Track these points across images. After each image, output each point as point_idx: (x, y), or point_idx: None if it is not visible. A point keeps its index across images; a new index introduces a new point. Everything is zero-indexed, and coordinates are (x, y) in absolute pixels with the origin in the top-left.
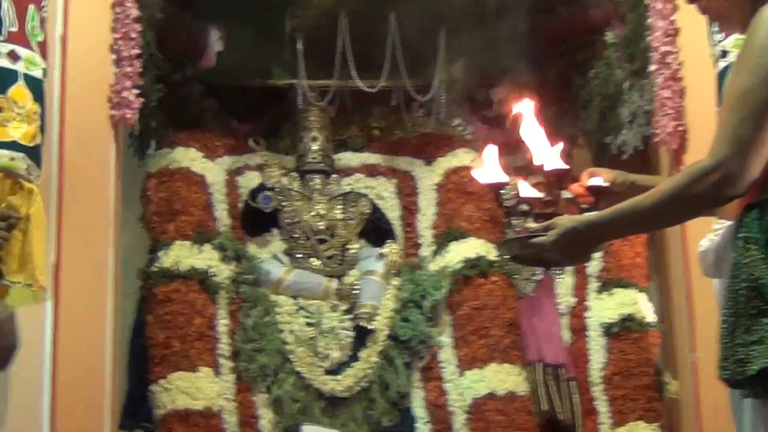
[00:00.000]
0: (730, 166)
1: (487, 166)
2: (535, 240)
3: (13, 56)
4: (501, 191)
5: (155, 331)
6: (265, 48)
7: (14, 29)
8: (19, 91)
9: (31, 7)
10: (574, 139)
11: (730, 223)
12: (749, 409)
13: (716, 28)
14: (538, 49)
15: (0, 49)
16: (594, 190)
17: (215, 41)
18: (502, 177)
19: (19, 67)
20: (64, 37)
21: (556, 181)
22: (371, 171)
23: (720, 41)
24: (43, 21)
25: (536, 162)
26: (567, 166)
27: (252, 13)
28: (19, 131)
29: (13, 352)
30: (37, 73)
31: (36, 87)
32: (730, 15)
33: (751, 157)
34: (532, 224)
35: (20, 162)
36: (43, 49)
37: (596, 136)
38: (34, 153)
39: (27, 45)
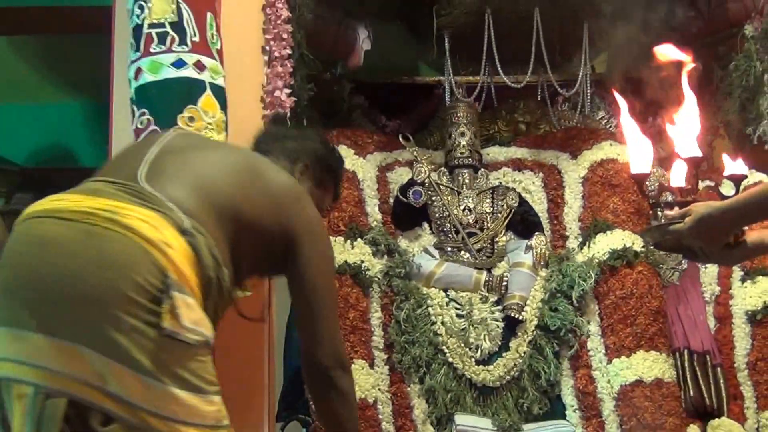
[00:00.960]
0: None
1: (634, 159)
2: (673, 227)
3: (199, 66)
4: (645, 182)
5: None
6: (412, 45)
7: (197, 39)
8: (208, 100)
9: (209, 15)
10: (715, 129)
11: None
12: None
13: None
14: (680, 43)
15: (186, 59)
16: (734, 179)
17: (363, 40)
18: (646, 168)
19: (205, 76)
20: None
21: (693, 169)
22: (518, 165)
23: None
24: (218, 28)
25: (676, 150)
26: (701, 154)
27: (399, 11)
28: None
29: None
30: (220, 81)
31: (220, 96)
32: None
33: None
34: (670, 213)
35: None
36: (221, 56)
37: (737, 126)
38: None
39: (209, 54)
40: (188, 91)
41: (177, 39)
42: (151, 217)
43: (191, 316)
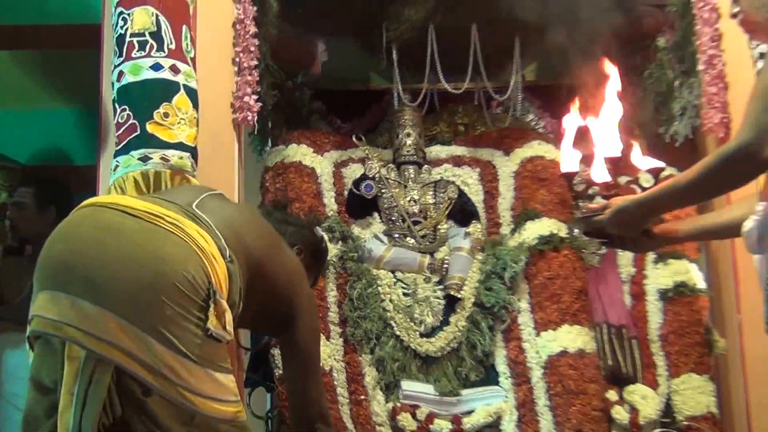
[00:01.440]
0: (751, 147)
1: (563, 158)
2: (595, 218)
3: (174, 70)
4: (573, 179)
5: None
6: (365, 57)
7: (173, 47)
8: (181, 99)
9: (184, 27)
10: (631, 130)
11: None
12: None
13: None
14: (599, 54)
15: (163, 63)
16: (653, 172)
17: (321, 52)
18: (574, 167)
19: (180, 78)
20: (194, 59)
21: (613, 167)
22: (457, 161)
23: (758, 45)
24: (192, 39)
25: (596, 150)
26: (619, 154)
27: (353, 27)
28: (184, 133)
29: None
30: (193, 84)
31: (193, 96)
32: (759, 29)
33: None
34: (592, 205)
35: (187, 160)
36: (194, 64)
37: (651, 127)
38: (194, 152)
39: (184, 60)
40: (164, 90)
41: (155, 46)
42: (205, 235)
43: (229, 319)
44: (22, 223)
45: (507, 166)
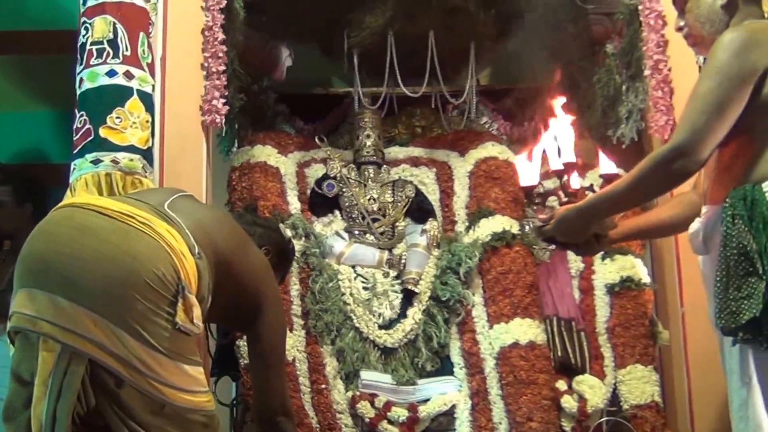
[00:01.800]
0: (684, 149)
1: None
2: (544, 229)
3: (128, 75)
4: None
5: None
6: (327, 62)
7: (128, 53)
8: (134, 104)
9: (141, 34)
10: (581, 132)
11: (714, 207)
12: (737, 353)
13: None
14: (550, 60)
15: (117, 69)
16: (606, 178)
17: (286, 58)
18: (533, 180)
19: (134, 84)
20: (164, 58)
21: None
22: (415, 162)
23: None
24: (150, 45)
25: (550, 157)
26: (575, 160)
27: (316, 34)
28: (135, 137)
29: None
30: (148, 88)
31: (147, 100)
32: (702, 42)
33: (702, 143)
34: (542, 216)
35: (137, 162)
36: (151, 69)
37: (599, 130)
38: (147, 154)
39: (139, 66)
40: (118, 95)
41: (111, 53)
42: (174, 233)
43: (197, 314)
44: (1, 219)
45: (462, 166)
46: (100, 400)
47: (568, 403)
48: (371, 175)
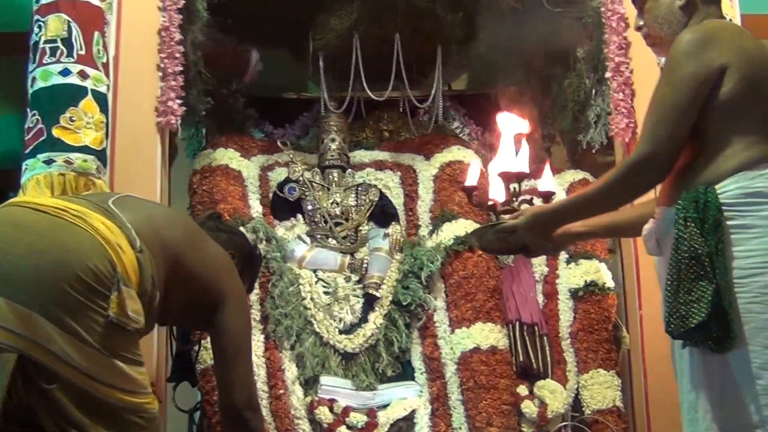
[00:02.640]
0: (651, 158)
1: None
2: (506, 225)
3: (82, 75)
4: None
5: None
6: (301, 66)
7: (83, 52)
8: (88, 104)
9: (96, 33)
10: (552, 137)
11: (667, 208)
12: (687, 356)
13: None
14: (523, 64)
15: (71, 69)
16: (545, 195)
17: (256, 62)
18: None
19: (88, 84)
20: (117, 57)
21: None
22: (380, 166)
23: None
24: (105, 45)
25: (497, 166)
26: (527, 171)
27: (285, 36)
28: (89, 137)
29: None
30: (103, 88)
31: (101, 100)
32: (661, 42)
33: (664, 153)
34: (505, 216)
35: (92, 163)
36: (106, 69)
37: (570, 134)
38: (101, 155)
39: (94, 65)
40: (71, 95)
41: (65, 52)
42: (111, 226)
43: (133, 307)
44: None
45: (427, 170)
46: (32, 397)
47: (529, 408)
48: (335, 179)
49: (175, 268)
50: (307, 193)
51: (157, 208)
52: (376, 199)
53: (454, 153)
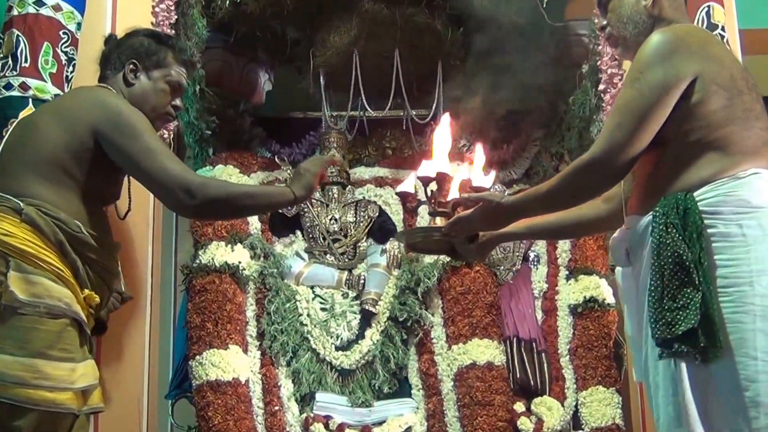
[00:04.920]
0: (602, 161)
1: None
2: (463, 214)
3: (23, 87)
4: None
5: (193, 316)
6: (306, 84)
7: (26, 65)
8: (28, 113)
9: (46, 44)
10: (561, 156)
11: (638, 216)
12: (663, 369)
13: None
14: (530, 82)
15: (13, 82)
16: (477, 190)
17: (265, 82)
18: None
19: (30, 94)
20: None
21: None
22: (380, 182)
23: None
24: (58, 55)
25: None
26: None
27: (289, 55)
28: None
29: None
30: (48, 98)
31: None
32: (625, 44)
33: (618, 157)
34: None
35: None
36: (57, 78)
37: (578, 152)
38: None
39: (38, 77)
40: (13, 107)
41: (11, 66)
42: None
43: (31, 290)
44: None
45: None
46: None
47: (525, 424)
48: (335, 196)
49: (64, 170)
50: (305, 210)
51: (28, 136)
52: (375, 215)
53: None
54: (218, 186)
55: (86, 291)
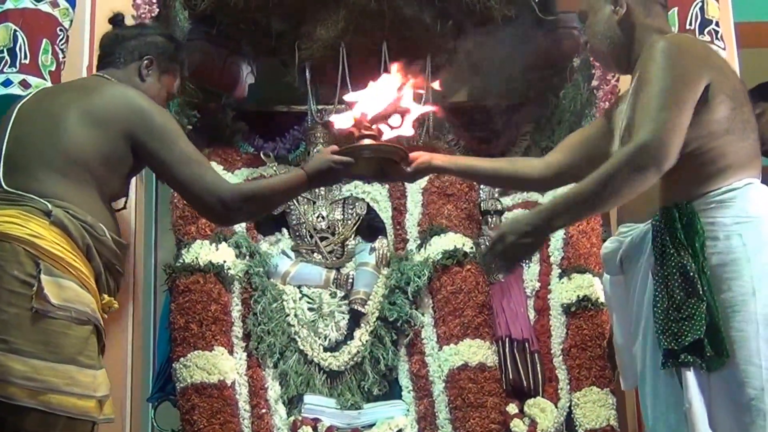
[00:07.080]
0: (653, 144)
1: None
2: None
3: (24, 84)
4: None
5: (177, 317)
6: (291, 77)
7: (26, 61)
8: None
9: (45, 41)
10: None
11: (636, 225)
12: (665, 377)
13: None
14: (519, 75)
15: (13, 79)
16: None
17: (247, 75)
18: (348, 123)
19: (30, 92)
20: (90, 67)
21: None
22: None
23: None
24: (56, 52)
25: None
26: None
27: (273, 46)
28: None
29: None
30: None
31: None
32: (604, 58)
33: (670, 137)
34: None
35: None
36: (55, 76)
37: None
38: None
39: (38, 74)
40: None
41: (9, 62)
42: (16, 216)
43: (62, 295)
44: None
45: (415, 182)
46: None
47: (518, 426)
48: (322, 192)
49: (90, 168)
50: (291, 207)
51: (47, 128)
52: (363, 212)
53: None
54: (246, 191)
55: (105, 297)
